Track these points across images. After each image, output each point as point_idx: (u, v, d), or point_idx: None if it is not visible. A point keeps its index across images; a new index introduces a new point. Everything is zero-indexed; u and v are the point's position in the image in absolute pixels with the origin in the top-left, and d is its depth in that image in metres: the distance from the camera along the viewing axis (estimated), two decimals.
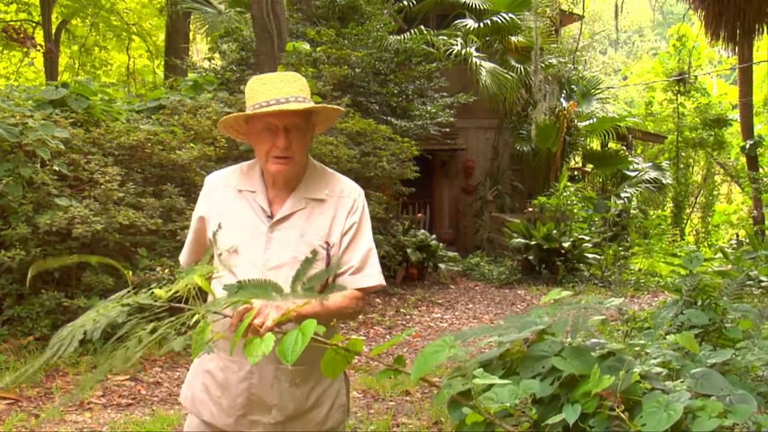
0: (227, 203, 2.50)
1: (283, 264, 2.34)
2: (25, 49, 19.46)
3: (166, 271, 6.78)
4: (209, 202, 2.54)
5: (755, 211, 18.91)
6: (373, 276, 2.48)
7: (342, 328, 8.78)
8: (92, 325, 1.87)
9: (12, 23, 19.54)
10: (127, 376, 6.31)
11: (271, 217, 2.44)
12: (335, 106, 2.51)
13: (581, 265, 12.98)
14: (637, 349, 2.66)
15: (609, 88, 27.82)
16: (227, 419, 2.46)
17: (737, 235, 19.28)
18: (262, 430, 2.44)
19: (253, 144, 2.46)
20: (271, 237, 2.41)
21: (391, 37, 14.39)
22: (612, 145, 18.83)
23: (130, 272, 2.04)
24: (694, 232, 23.15)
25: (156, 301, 2.00)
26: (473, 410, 2.11)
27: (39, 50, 18.59)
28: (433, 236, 12.66)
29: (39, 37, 19.06)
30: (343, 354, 2.06)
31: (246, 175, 2.53)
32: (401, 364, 2.10)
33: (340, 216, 2.46)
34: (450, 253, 12.96)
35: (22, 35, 17.73)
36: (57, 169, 7.24)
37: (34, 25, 20.58)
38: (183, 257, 2.71)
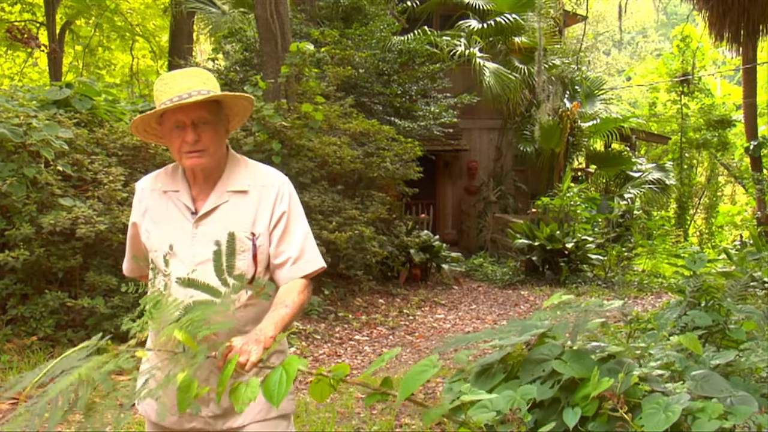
0: (155, 205, 2.52)
1: (210, 258, 2.32)
2: (29, 50, 19.49)
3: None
4: (139, 207, 2.57)
5: (759, 212, 18.85)
6: (314, 261, 2.49)
7: (345, 328, 8.81)
8: (72, 394, 1.88)
9: (16, 23, 19.57)
10: (129, 377, 6.32)
11: (195, 213, 2.45)
12: (243, 94, 2.47)
13: (584, 265, 12.97)
14: (638, 351, 2.67)
15: (612, 88, 27.76)
16: (171, 417, 2.46)
17: (741, 236, 19.24)
18: (203, 424, 2.44)
19: (167, 144, 2.46)
20: (197, 233, 2.42)
21: (395, 37, 14.42)
22: (615, 145, 18.84)
23: (110, 343, 2.05)
24: (698, 233, 23.11)
25: (137, 362, 2.01)
26: (464, 426, 2.11)
27: (43, 50, 18.62)
28: (437, 237, 12.66)
29: (43, 37, 19.08)
30: (328, 381, 2.08)
31: (170, 176, 2.54)
32: (388, 385, 2.11)
33: (264, 206, 2.46)
34: (453, 254, 12.96)
35: (26, 35, 17.76)
36: (61, 169, 7.25)
37: (38, 25, 20.60)
38: (125, 265, 2.75)
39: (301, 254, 2.46)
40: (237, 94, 2.46)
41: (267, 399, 1.94)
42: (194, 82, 2.36)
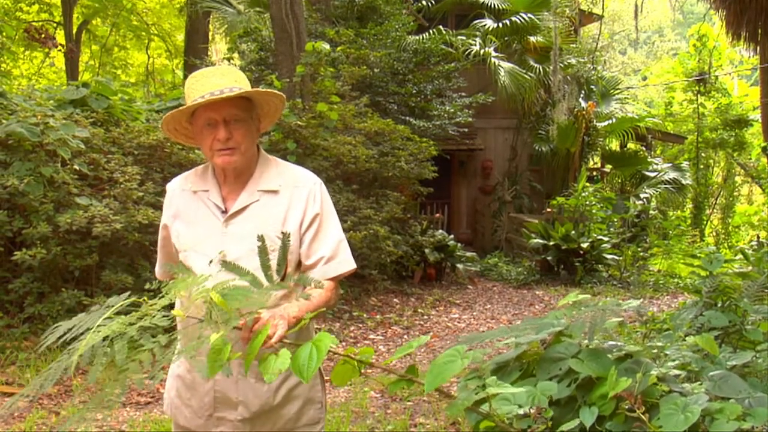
0: (185, 206, 2.51)
1: (240, 257, 2.31)
2: (46, 50, 19.62)
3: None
4: (169, 209, 2.57)
5: None
6: (346, 262, 2.48)
7: (360, 327, 8.82)
8: (109, 347, 1.86)
9: (34, 23, 19.70)
10: (146, 374, 6.34)
11: (225, 212, 2.44)
12: (274, 91, 2.46)
13: (600, 265, 12.92)
14: (655, 351, 2.65)
15: (628, 88, 27.66)
16: (198, 420, 2.47)
17: (758, 237, 19.10)
18: (231, 428, 2.44)
19: (199, 143, 2.46)
20: (227, 231, 2.42)
21: (410, 37, 14.41)
22: (631, 145, 18.75)
23: (146, 298, 2.03)
24: (714, 233, 22.98)
25: (173, 320, 1.99)
26: (486, 418, 2.10)
27: (60, 50, 18.74)
28: (451, 236, 12.65)
29: (60, 37, 19.21)
30: (353, 364, 2.06)
31: (200, 176, 2.54)
32: (414, 373, 2.10)
33: (295, 206, 2.45)
34: (468, 254, 12.95)
35: (43, 35, 17.87)
36: (77, 168, 7.30)
37: (55, 25, 20.74)
38: (157, 268, 2.74)
39: (334, 255, 2.45)
40: (268, 90, 2.45)
41: (296, 374, 1.92)
42: (226, 80, 2.35)
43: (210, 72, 2.40)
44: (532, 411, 2.15)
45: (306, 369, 1.90)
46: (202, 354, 2.01)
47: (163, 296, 1.98)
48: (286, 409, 2.47)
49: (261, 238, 2.23)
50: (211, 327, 1.93)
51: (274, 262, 2.27)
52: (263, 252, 2.19)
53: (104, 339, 1.85)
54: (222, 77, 2.37)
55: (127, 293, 1.99)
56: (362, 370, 2.08)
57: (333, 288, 2.43)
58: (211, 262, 2.32)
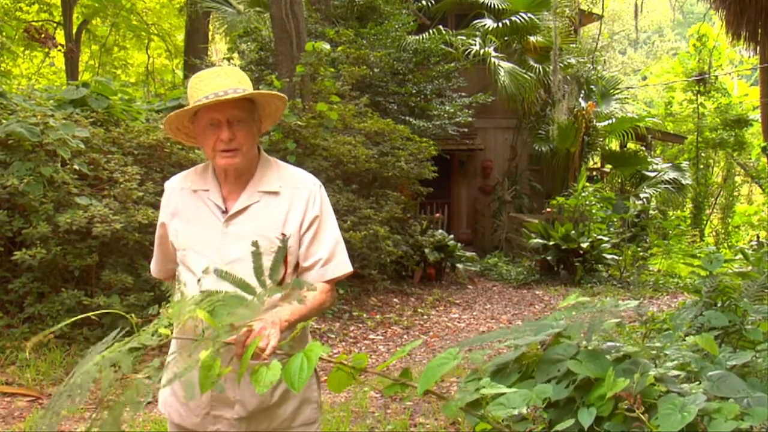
0: (185, 205, 2.52)
1: (240, 258, 2.32)
2: (46, 50, 19.61)
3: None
4: (167, 207, 2.57)
5: None
6: (342, 265, 2.49)
7: (359, 327, 8.82)
8: (98, 372, 1.87)
9: (33, 23, 19.70)
10: (146, 375, 6.33)
11: (225, 212, 2.44)
12: (277, 93, 2.48)
13: (600, 265, 12.92)
14: (654, 351, 2.66)
15: (628, 88, 27.66)
16: (194, 419, 2.47)
17: (758, 237, 19.10)
18: (227, 427, 2.44)
19: (201, 143, 2.46)
20: (227, 232, 2.42)
21: (410, 37, 14.42)
22: (631, 145, 18.75)
23: (134, 316, 2.03)
24: (714, 233, 22.98)
25: (161, 339, 1.99)
26: (482, 420, 2.11)
27: (60, 50, 18.74)
28: (451, 236, 12.65)
29: (60, 37, 19.20)
30: (347, 370, 2.07)
31: (200, 175, 2.54)
32: (407, 377, 2.11)
33: (295, 208, 2.45)
34: (468, 254, 12.94)
35: (43, 35, 17.86)
36: (77, 168, 7.29)
37: (55, 25, 20.74)
38: (152, 265, 2.76)
39: (330, 257, 2.46)
40: (271, 92, 2.46)
41: (288, 384, 1.94)
42: (229, 81, 2.36)
43: (214, 72, 2.40)
44: (528, 411, 2.16)
45: (297, 380, 1.93)
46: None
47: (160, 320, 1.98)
48: (283, 409, 2.47)
49: (255, 244, 2.23)
50: (203, 345, 1.94)
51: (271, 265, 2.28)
52: (257, 257, 2.19)
53: (96, 364, 1.86)
54: (226, 78, 2.37)
55: (116, 330, 1.98)
56: (356, 377, 2.09)
57: (329, 290, 2.44)
58: (204, 274, 2.32)
